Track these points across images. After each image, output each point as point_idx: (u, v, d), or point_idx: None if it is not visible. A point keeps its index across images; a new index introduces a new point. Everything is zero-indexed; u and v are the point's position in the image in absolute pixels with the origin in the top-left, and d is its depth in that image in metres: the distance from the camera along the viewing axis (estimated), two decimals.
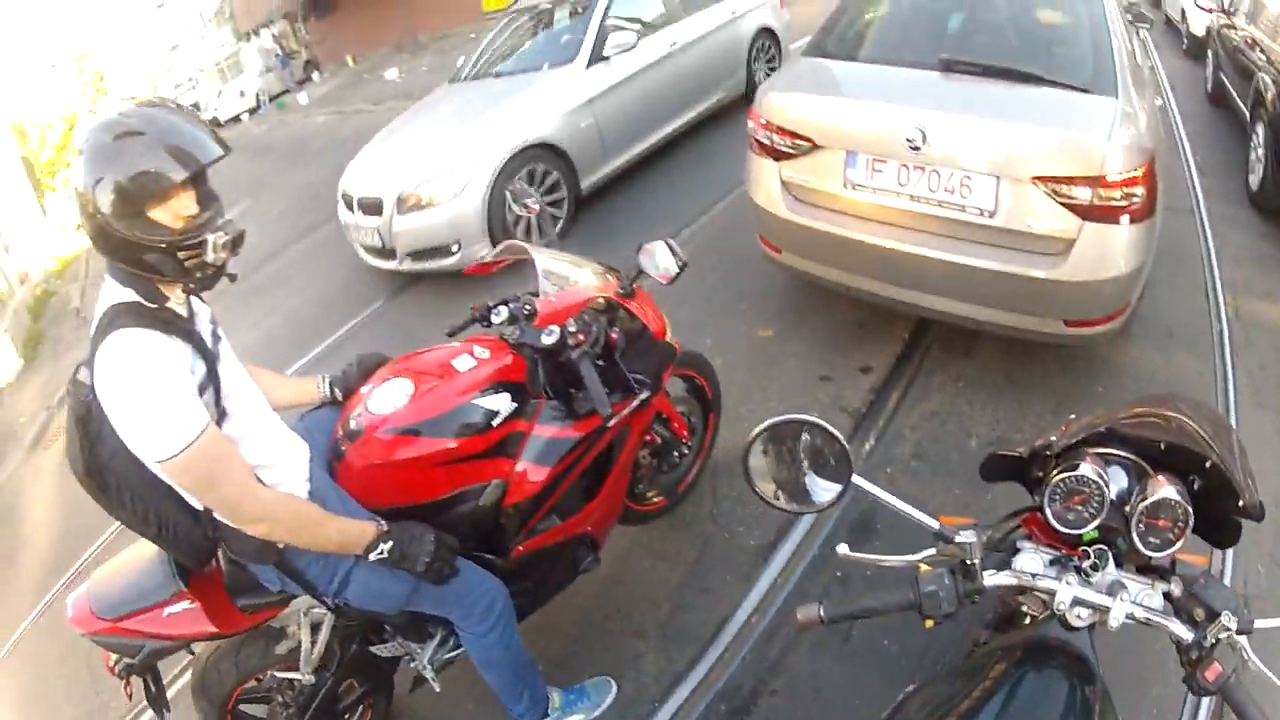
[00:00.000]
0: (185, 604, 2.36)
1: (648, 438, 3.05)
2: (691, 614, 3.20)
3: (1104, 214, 3.31)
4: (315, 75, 34.78)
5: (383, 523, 2.23)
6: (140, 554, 2.48)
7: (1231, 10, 8.29)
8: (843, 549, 1.62)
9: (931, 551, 1.54)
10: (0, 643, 5.72)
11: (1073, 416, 1.70)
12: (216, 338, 2.15)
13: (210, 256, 1.95)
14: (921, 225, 3.69)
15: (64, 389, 6.73)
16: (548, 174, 6.46)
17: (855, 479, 1.62)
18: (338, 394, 2.67)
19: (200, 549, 2.23)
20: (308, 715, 2.77)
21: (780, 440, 1.70)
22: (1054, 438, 1.61)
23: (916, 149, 3.55)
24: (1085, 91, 3.54)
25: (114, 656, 2.44)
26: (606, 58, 7.02)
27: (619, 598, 3.31)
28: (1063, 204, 3.34)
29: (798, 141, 3.95)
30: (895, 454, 3.64)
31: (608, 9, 7.32)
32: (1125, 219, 3.32)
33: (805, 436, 1.68)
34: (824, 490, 1.68)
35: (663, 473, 3.37)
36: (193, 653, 2.61)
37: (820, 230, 3.92)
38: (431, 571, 2.25)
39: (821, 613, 1.49)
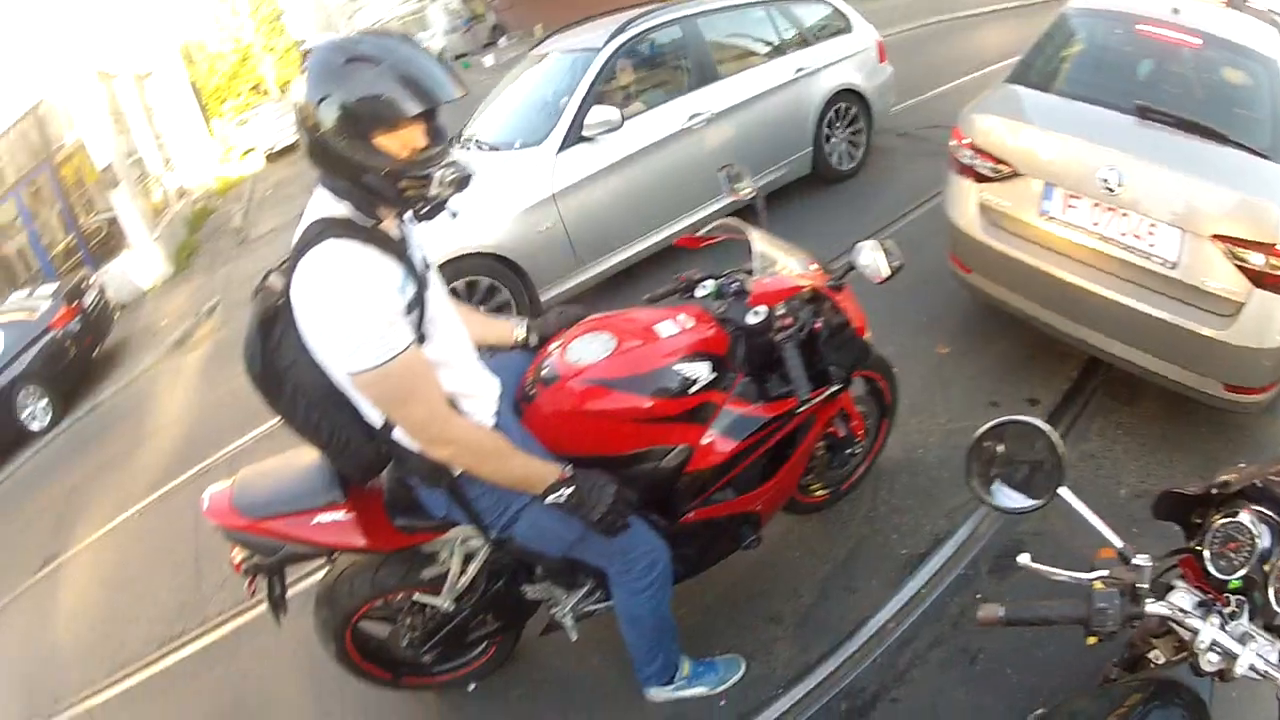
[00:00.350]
0: (338, 514, 2.42)
1: (828, 430, 3.07)
2: (831, 609, 3.23)
3: (1274, 282, 3.21)
4: (502, 40, 34.87)
5: (567, 468, 2.25)
6: (296, 460, 2.53)
7: None
8: (1024, 558, 1.65)
9: (1105, 572, 1.57)
10: (108, 520, 6.10)
11: (1242, 465, 1.71)
12: (426, 265, 2.18)
13: (434, 190, 1.96)
14: (1106, 266, 3.65)
15: (214, 299, 7.07)
16: (493, 289, 5.37)
17: (1061, 491, 1.67)
18: (533, 339, 2.72)
19: (368, 464, 2.28)
20: (432, 642, 2.83)
21: (1000, 439, 1.76)
22: (1229, 479, 1.65)
23: (1110, 190, 3.52)
24: (1265, 158, 3.43)
25: (240, 553, 2.50)
26: (588, 138, 5.62)
27: (764, 581, 3.35)
28: (1237, 266, 3.26)
29: (999, 166, 3.95)
30: None
31: (606, 66, 5.85)
32: None
33: (1008, 442, 1.75)
34: (1009, 498, 1.76)
35: (832, 468, 3.41)
36: (331, 561, 2.66)
37: (1011, 256, 3.91)
38: (605, 523, 2.26)
39: (1002, 613, 1.54)
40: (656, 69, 6.50)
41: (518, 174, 5.46)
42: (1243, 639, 1.43)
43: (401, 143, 1.92)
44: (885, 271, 2.75)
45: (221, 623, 4.32)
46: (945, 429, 3.92)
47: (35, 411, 9.62)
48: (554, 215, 5.47)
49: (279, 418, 2.21)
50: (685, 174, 6.01)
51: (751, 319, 2.54)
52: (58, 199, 14.78)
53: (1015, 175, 3.90)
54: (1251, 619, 1.48)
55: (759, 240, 2.72)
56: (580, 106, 5.56)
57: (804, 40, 7.03)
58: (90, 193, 15.05)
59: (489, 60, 28.23)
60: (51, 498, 7.48)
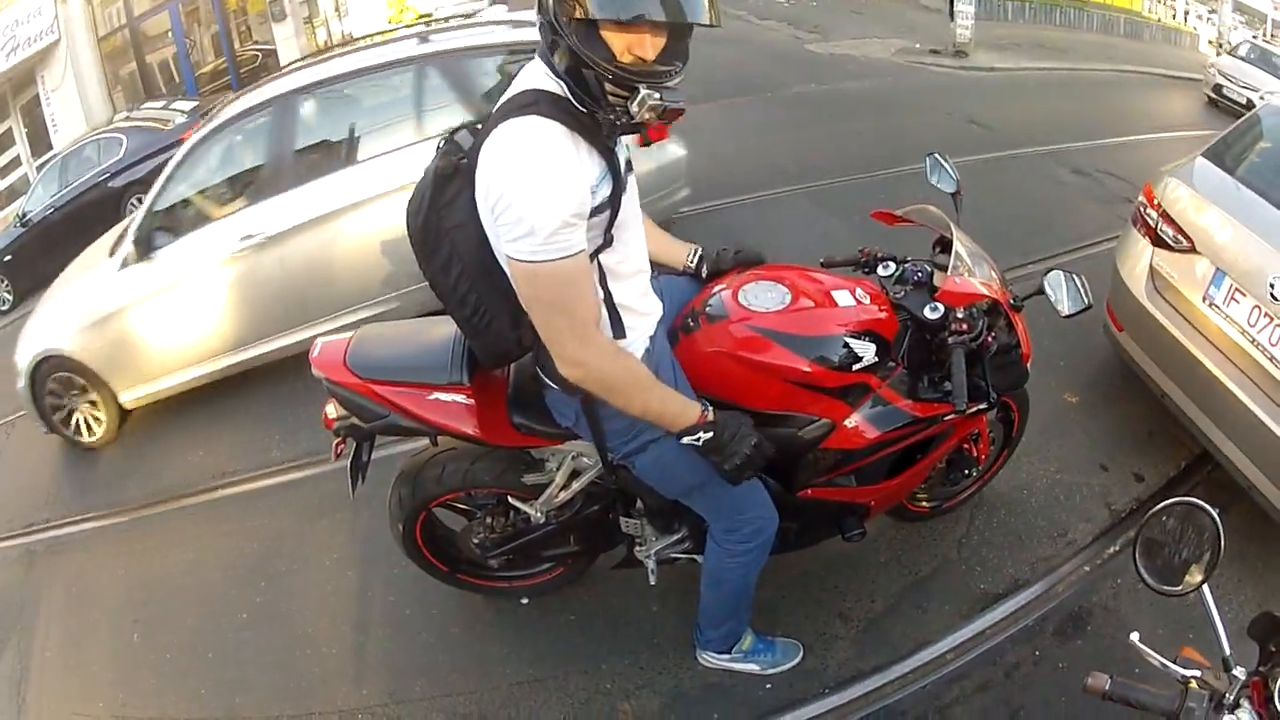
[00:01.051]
0: (459, 397, 2.37)
1: (961, 445, 3.03)
2: (897, 623, 3.21)
3: None
4: None
5: (710, 410, 2.14)
6: (428, 330, 2.48)
7: None
8: (1135, 637, 1.62)
9: (1198, 673, 1.56)
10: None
11: None
12: (629, 166, 2.07)
13: (634, 109, 1.81)
14: (1249, 368, 3.55)
15: None
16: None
17: (1204, 588, 1.64)
18: (704, 270, 2.65)
19: (505, 350, 2.18)
20: (506, 548, 2.80)
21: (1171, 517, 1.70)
22: None
23: (1275, 298, 3.41)
24: None
25: (336, 410, 2.45)
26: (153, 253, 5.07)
27: (842, 576, 3.34)
28: None
29: (1179, 237, 3.87)
30: (1125, 568, 3.48)
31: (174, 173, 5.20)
32: None
33: (1167, 520, 1.70)
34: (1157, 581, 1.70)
35: (944, 484, 3.38)
36: (435, 443, 2.59)
37: (1166, 328, 3.84)
38: (736, 472, 2.15)
39: (1108, 686, 1.53)
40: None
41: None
42: None
43: (627, 45, 1.78)
44: (1073, 307, 2.68)
45: (277, 470, 4.38)
46: (1053, 477, 3.88)
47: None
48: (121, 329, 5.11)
49: (426, 279, 2.15)
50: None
51: (929, 314, 2.49)
52: (216, 20, 14.88)
53: (1192, 250, 3.82)
54: None
55: (959, 238, 2.64)
56: (143, 219, 5.12)
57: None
58: (251, 23, 15.13)
59: None
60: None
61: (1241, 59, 16.66)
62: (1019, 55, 17.10)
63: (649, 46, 1.79)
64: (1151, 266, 3.99)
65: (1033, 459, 3.94)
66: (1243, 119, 4.55)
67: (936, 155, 3.04)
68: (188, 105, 10.98)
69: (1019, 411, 3.27)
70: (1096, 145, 9.50)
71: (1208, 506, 1.64)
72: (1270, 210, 3.78)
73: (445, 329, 2.36)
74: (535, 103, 1.83)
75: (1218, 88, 15.82)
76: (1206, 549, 1.63)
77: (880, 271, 2.69)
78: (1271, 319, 3.46)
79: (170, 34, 14.93)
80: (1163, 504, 1.69)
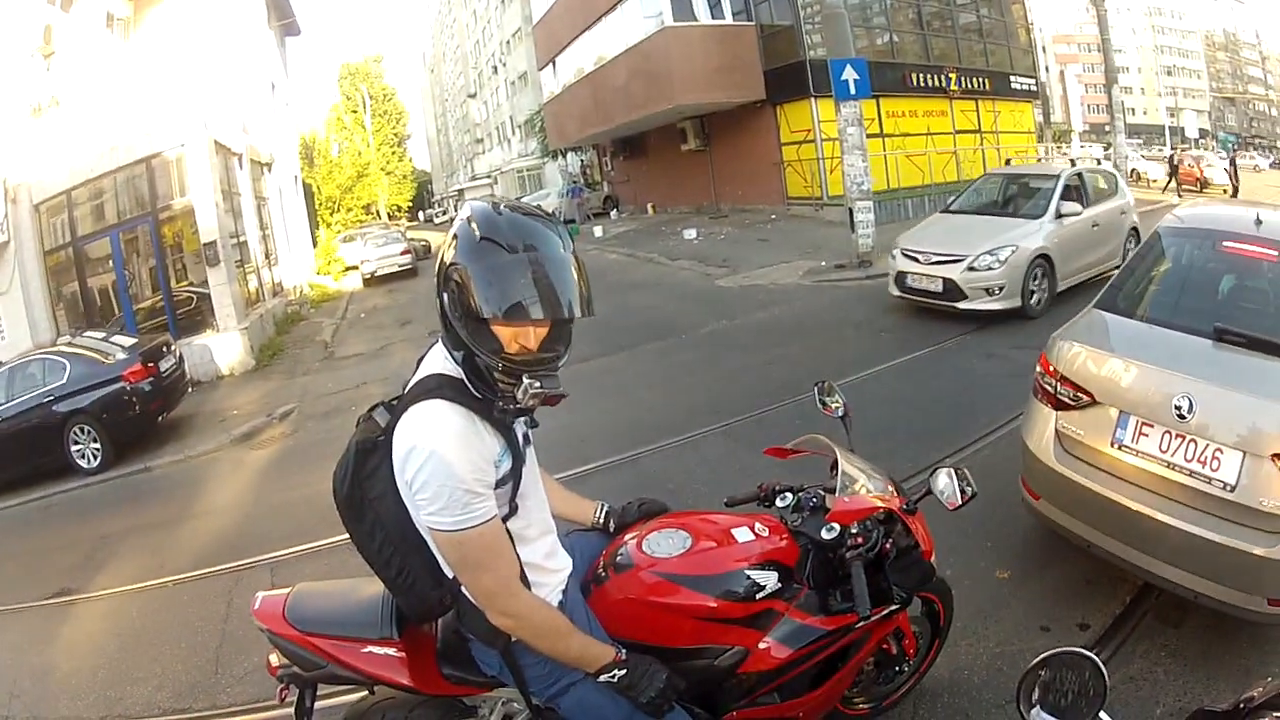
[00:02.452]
0: (390, 650, 2.47)
1: (881, 646, 3.10)
2: None
3: None
4: (613, 213, 36.04)
5: (622, 651, 2.31)
6: (360, 589, 2.60)
7: None
8: None
9: None
10: (137, 579, 6.16)
11: (1269, 679, 1.76)
12: (527, 440, 2.28)
13: (520, 395, 2.01)
14: (1169, 493, 3.68)
15: (291, 405, 7.25)
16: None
17: (1102, 715, 1.71)
18: (611, 524, 2.81)
19: (430, 608, 2.33)
20: None
21: (1050, 667, 1.81)
22: (1254, 694, 1.67)
23: (1182, 418, 3.58)
24: None
25: (279, 659, 2.55)
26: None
27: None
28: None
29: (1079, 394, 4.02)
30: None
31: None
32: None
33: (1046, 670, 1.79)
34: None
35: (878, 683, 3.39)
36: (372, 692, 2.67)
37: (1081, 484, 3.94)
38: (652, 706, 2.30)
39: None
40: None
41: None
42: None
43: (513, 336, 1.99)
44: (958, 500, 2.85)
45: (232, 713, 4.33)
46: (993, 652, 3.89)
47: (86, 451, 9.98)
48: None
49: (353, 543, 2.29)
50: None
51: (826, 535, 2.61)
52: (154, 255, 15.32)
53: (1094, 404, 3.97)
54: None
55: (844, 459, 2.81)
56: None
57: None
58: (186, 261, 15.56)
59: (598, 230, 29.08)
60: (82, 537, 7.64)
61: None
62: None
63: (532, 338, 2.02)
64: (1057, 430, 4.13)
65: (970, 640, 3.97)
66: (1134, 254, 4.78)
67: (823, 383, 3.27)
68: (127, 341, 11.34)
69: (941, 602, 3.35)
70: (1005, 325, 9.95)
71: (1078, 649, 1.78)
72: (1168, 335, 4.01)
73: (376, 586, 2.46)
74: (439, 387, 2.04)
75: None
76: (1090, 683, 1.74)
77: (779, 503, 2.85)
78: (1184, 437, 3.61)
79: (110, 260, 15.35)
80: (1036, 660, 1.80)
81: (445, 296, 2.01)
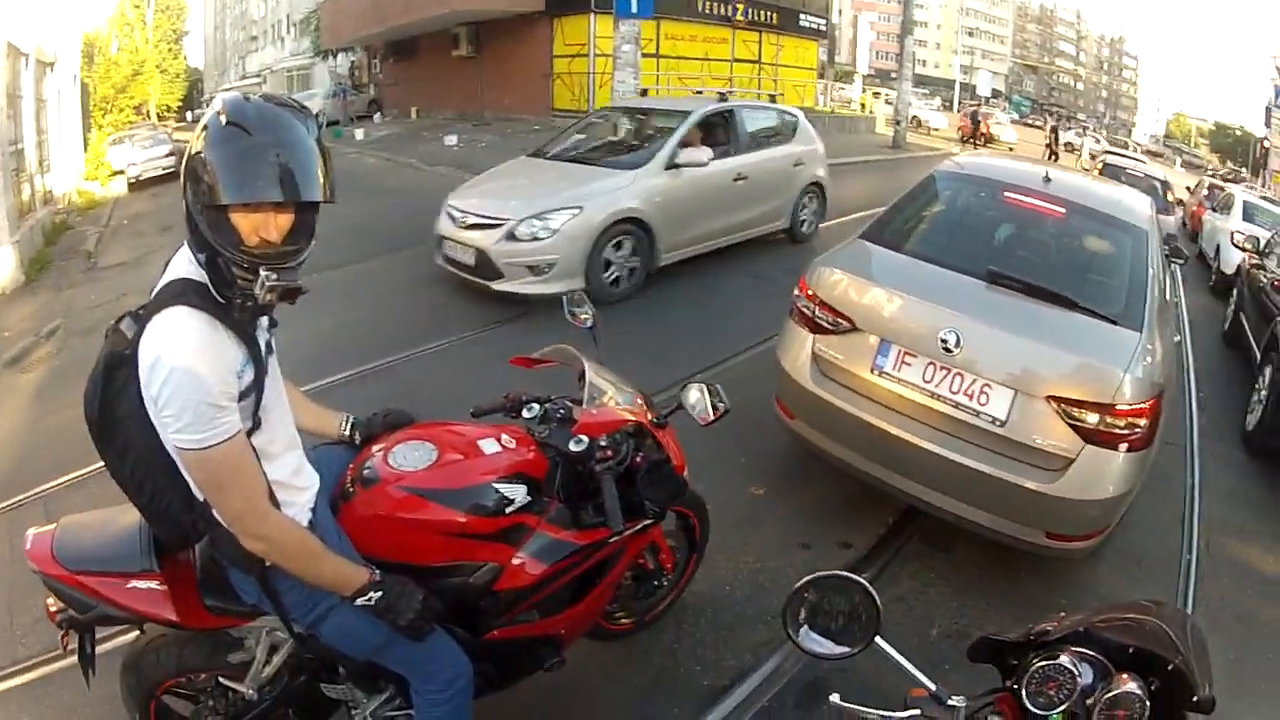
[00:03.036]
0: (153, 584, 2.34)
1: (637, 561, 3.15)
2: None
3: (1105, 439, 3.52)
4: (377, 116, 35.20)
5: (376, 572, 2.24)
6: (119, 519, 2.44)
7: (1265, 252, 8.85)
8: (835, 698, 1.72)
9: (917, 711, 1.67)
10: None
11: (1062, 614, 1.82)
12: (270, 349, 2.17)
13: (256, 290, 1.93)
14: (934, 422, 3.86)
15: (56, 322, 6.72)
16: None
17: (878, 639, 1.76)
18: (357, 437, 2.72)
19: (184, 533, 2.22)
20: None
21: (814, 591, 1.83)
22: (1049, 628, 1.75)
23: (948, 351, 3.75)
24: (1114, 323, 3.79)
25: (56, 603, 2.42)
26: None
27: (563, 706, 3.32)
28: (1070, 424, 3.55)
29: (838, 319, 4.14)
30: None
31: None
32: (1124, 446, 3.53)
33: (814, 593, 1.82)
34: (819, 645, 1.81)
35: (638, 598, 3.45)
36: (142, 630, 2.57)
37: (838, 407, 4.08)
38: (411, 628, 2.27)
39: None
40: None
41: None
42: None
43: (253, 227, 1.90)
44: (710, 415, 2.90)
45: (29, 666, 4.01)
46: (753, 568, 4.01)
47: None
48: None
49: (106, 467, 2.15)
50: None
51: (574, 447, 2.59)
52: None
53: (853, 330, 4.09)
54: None
55: (591, 371, 2.81)
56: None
57: None
58: None
59: (360, 133, 28.20)
60: None
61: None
62: None
63: (273, 228, 1.92)
64: (813, 353, 4.25)
65: (729, 554, 4.08)
66: (906, 193, 4.97)
67: (572, 293, 3.25)
68: None
69: (696, 517, 3.43)
70: (775, 246, 10.31)
71: (845, 574, 1.81)
72: (937, 272, 4.18)
73: (135, 514, 2.31)
74: (181, 293, 1.91)
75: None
76: (861, 609, 1.78)
77: (525, 414, 2.79)
78: (949, 370, 3.79)
79: None
80: (799, 583, 1.81)
81: (189, 191, 1.90)
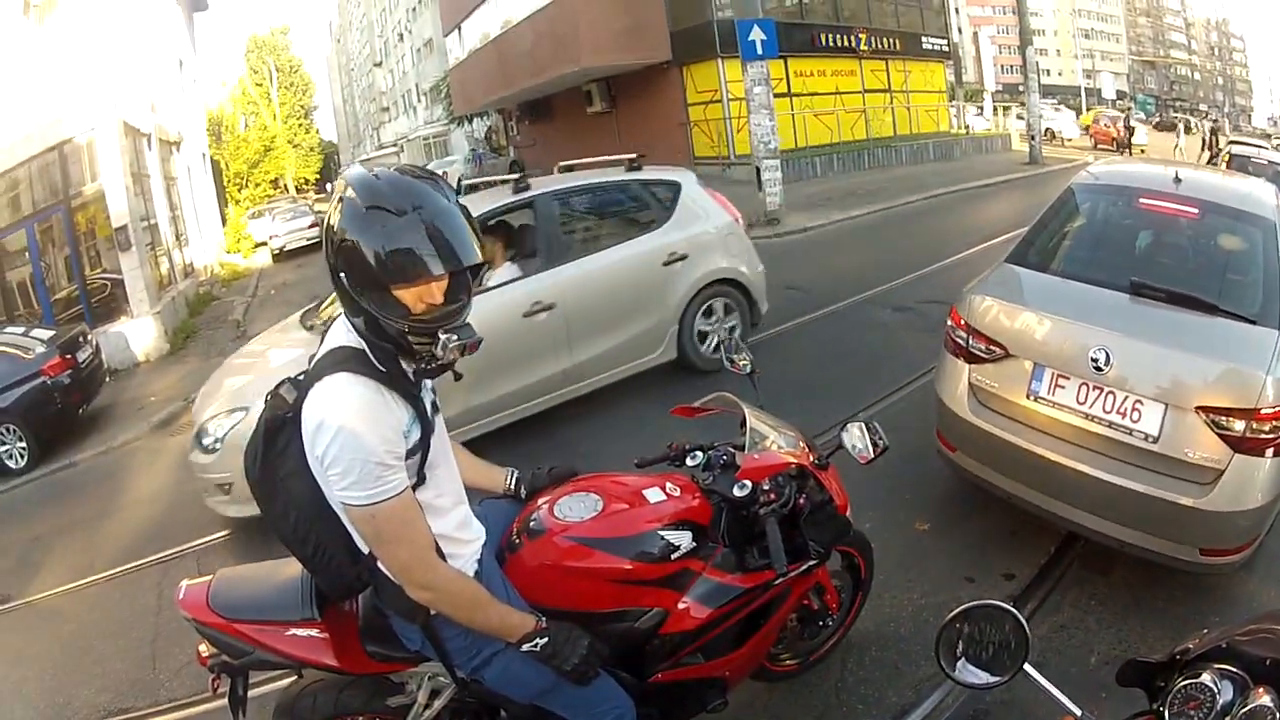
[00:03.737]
0: (314, 631, 2.43)
1: (803, 602, 3.11)
2: None
3: (1253, 446, 3.35)
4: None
5: (542, 619, 2.28)
6: (279, 571, 2.55)
7: None
8: None
9: None
10: (71, 579, 6.02)
11: (1205, 630, 1.78)
12: (435, 408, 2.23)
13: (439, 352, 2.00)
14: (1089, 444, 3.74)
15: (205, 386, 7.03)
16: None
17: (1026, 667, 1.73)
18: (523, 491, 2.76)
19: (349, 585, 2.29)
20: None
21: (969, 621, 1.82)
22: (1190, 645, 1.72)
23: (1099, 370, 3.63)
24: (1252, 323, 3.62)
25: (208, 648, 2.50)
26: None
27: None
28: (1219, 434, 3.39)
29: (992, 348, 4.06)
30: None
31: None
32: (1270, 452, 3.35)
33: (968, 623, 1.82)
34: (974, 675, 1.81)
35: (803, 639, 3.41)
36: (300, 675, 2.64)
37: (997, 436, 3.98)
38: (577, 674, 2.29)
39: None
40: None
41: None
42: None
43: (418, 296, 1.96)
44: (870, 454, 2.88)
45: (172, 708, 4.24)
46: (918, 604, 3.93)
47: (13, 450, 9.60)
48: None
49: (268, 523, 2.23)
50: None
51: (737, 492, 2.59)
52: (68, 244, 14.82)
53: (1007, 356, 4.00)
54: None
55: (752, 416, 2.81)
56: None
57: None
58: (100, 247, 15.08)
59: None
60: (14, 540, 7.41)
61: None
62: (830, 209, 17.46)
63: (437, 293, 1.99)
64: (970, 383, 4.17)
65: (894, 592, 4.01)
66: (1047, 209, 4.81)
67: (730, 340, 3.29)
68: (45, 334, 10.97)
69: (861, 556, 3.38)
70: (915, 277, 10.08)
71: (994, 602, 1.79)
72: (1083, 289, 4.05)
73: (295, 567, 2.42)
74: (344, 360, 2.00)
75: None
76: (1011, 637, 1.76)
77: (689, 462, 2.81)
78: (1101, 389, 3.66)
79: (27, 253, 14.89)
80: (950, 615, 1.81)
81: (342, 270, 1.96)
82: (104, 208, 14.62)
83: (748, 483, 2.60)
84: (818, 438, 3.08)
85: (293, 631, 2.44)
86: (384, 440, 1.95)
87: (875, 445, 2.90)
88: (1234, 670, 1.61)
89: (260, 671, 2.60)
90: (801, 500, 2.73)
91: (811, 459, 2.86)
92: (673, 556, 2.52)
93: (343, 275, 1.96)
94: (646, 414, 6.45)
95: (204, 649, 2.52)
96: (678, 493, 2.65)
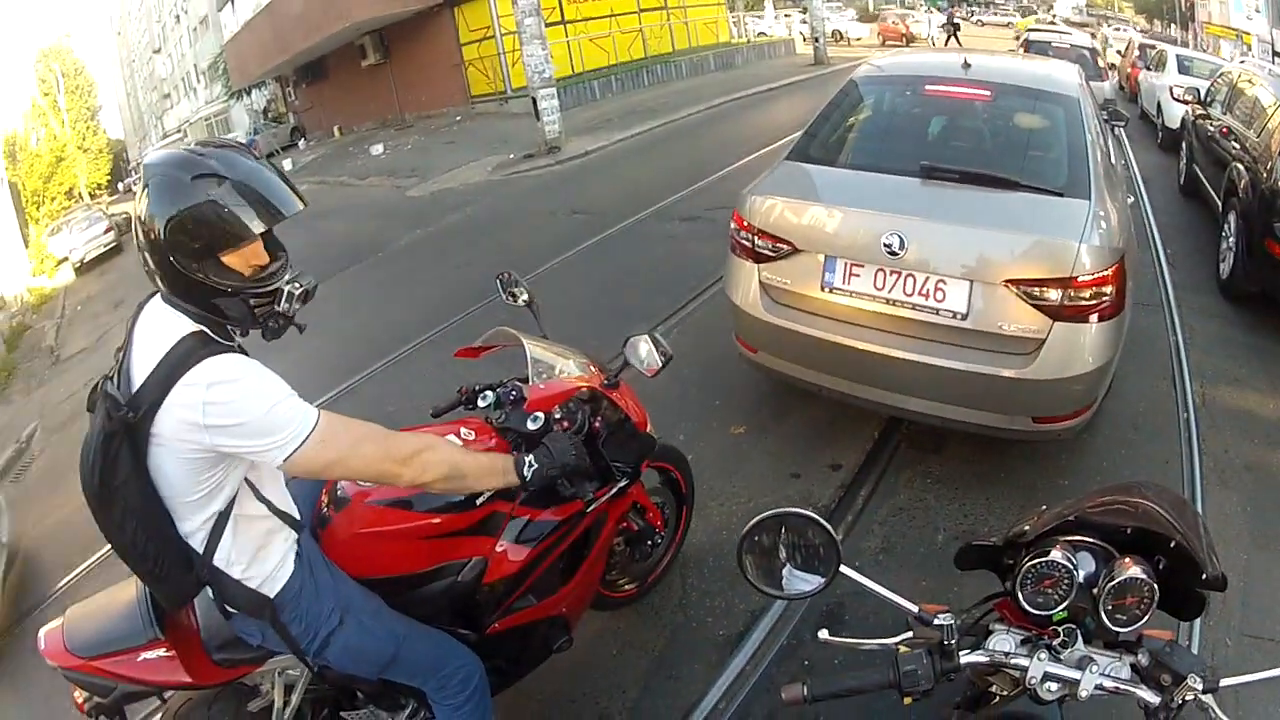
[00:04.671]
0: (161, 651, 2.36)
1: (623, 525, 3.13)
2: (659, 700, 3.22)
3: (1073, 313, 3.47)
4: (301, 142, 35.14)
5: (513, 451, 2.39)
6: (118, 596, 2.47)
7: (1207, 101, 8.77)
8: (824, 634, 1.69)
9: (909, 634, 1.63)
10: None
11: (1044, 508, 1.76)
12: None
13: (282, 305, 2.03)
14: (895, 328, 3.82)
15: (32, 425, 6.68)
16: None
17: (843, 568, 1.69)
18: None
19: (184, 591, 2.22)
20: None
21: (772, 531, 1.75)
22: (1027, 527, 1.69)
23: (894, 254, 3.69)
24: (1059, 195, 3.73)
25: (82, 694, 2.43)
26: None
27: (587, 682, 3.32)
28: (1034, 305, 3.50)
29: (778, 245, 4.08)
30: (863, 548, 3.70)
31: None
32: (1094, 318, 3.48)
33: (784, 531, 1.74)
34: (803, 581, 1.74)
35: (636, 561, 3.43)
36: (164, 700, 2.57)
37: (796, 331, 4.03)
38: (580, 470, 2.42)
39: (805, 691, 1.56)
40: None
41: None
42: (1081, 664, 1.50)
43: (245, 260, 1.96)
44: (657, 364, 2.90)
45: None
46: (747, 508, 3.98)
47: None
48: None
49: (105, 537, 2.12)
50: None
51: (530, 426, 2.57)
52: None
53: (796, 252, 4.04)
54: (1089, 642, 1.55)
55: (533, 346, 2.81)
56: None
57: None
58: None
59: (288, 163, 28.04)
60: None
61: None
62: (611, 130, 17.76)
63: (261, 251, 2.02)
64: (761, 283, 4.20)
65: (721, 499, 4.07)
66: (828, 104, 4.87)
67: (505, 274, 3.21)
68: None
69: (678, 469, 3.42)
70: (701, 187, 10.33)
71: (787, 510, 1.72)
72: (871, 178, 4.15)
73: (133, 588, 2.38)
74: (200, 347, 1.94)
75: None
76: (816, 539, 1.71)
77: (480, 404, 2.77)
78: (899, 274, 3.74)
79: None
80: (743, 530, 1.74)
81: (167, 254, 1.90)
82: None
83: (539, 414, 2.59)
84: (614, 359, 3.09)
85: (143, 656, 2.35)
86: (275, 384, 1.95)
87: (661, 356, 2.93)
88: (1092, 542, 1.62)
89: (135, 704, 2.51)
90: (597, 423, 2.74)
91: (601, 380, 2.87)
92: (478, 502, 2.51)
93: (171, 258, 1.90)
94: (446, 363, 6.30)
95: (79, 695, 2.44)
96: (473, 436, 2.62)
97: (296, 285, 2.03)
